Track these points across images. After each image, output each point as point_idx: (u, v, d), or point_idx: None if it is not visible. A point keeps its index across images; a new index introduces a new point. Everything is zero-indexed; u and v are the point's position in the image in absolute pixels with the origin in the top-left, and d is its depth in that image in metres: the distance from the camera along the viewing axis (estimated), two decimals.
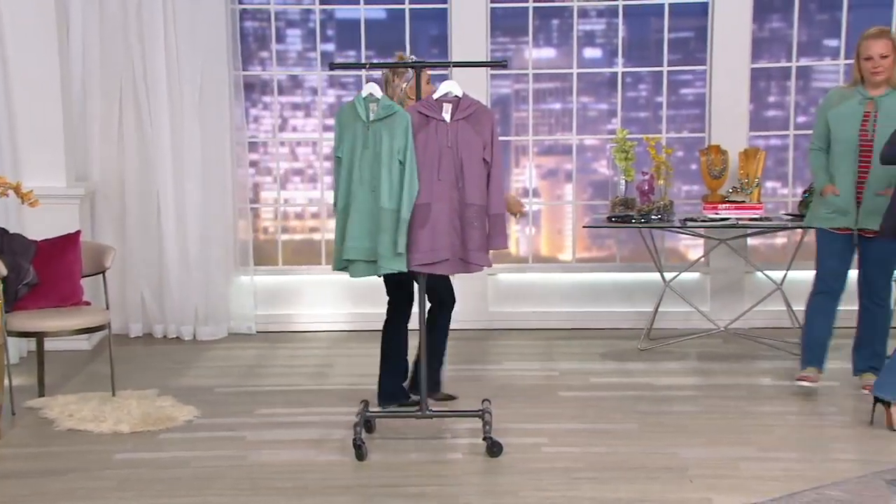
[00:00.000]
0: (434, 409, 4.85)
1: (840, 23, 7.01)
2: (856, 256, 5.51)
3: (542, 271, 7.37)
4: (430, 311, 5.24)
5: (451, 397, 5.49)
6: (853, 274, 5.51)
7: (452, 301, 5.34)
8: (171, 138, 6.94)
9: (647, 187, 6.71)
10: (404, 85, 5.22)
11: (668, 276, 6.83)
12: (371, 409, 4.98)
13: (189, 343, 6.95)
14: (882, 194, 5.25)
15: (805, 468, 4.34)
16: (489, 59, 7.08)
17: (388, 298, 5.25)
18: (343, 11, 7.36)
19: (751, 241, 7.04)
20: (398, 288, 5.21)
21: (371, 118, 4.63)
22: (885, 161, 5.02)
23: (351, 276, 4.68)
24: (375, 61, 5.64)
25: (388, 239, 4.57)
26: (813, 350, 5.52)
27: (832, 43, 6.94)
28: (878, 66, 5.28)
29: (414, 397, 5.22)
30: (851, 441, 4.71)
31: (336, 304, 7.32)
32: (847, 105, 5.36)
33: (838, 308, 5.53)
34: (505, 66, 4.96)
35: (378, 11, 7.33)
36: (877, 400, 4.96)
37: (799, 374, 5.52)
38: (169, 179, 6.96)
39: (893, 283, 6.17)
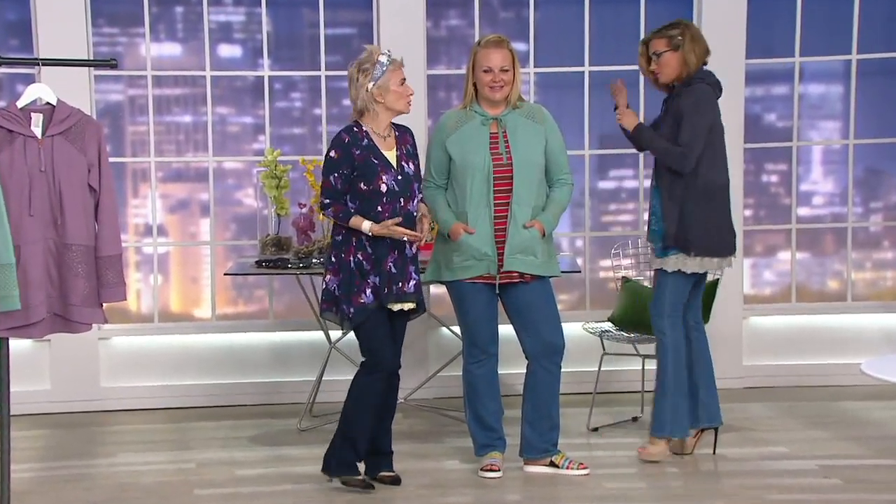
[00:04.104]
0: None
1: (527, 22, 7.43)
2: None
3: (172, 332, 7.33)
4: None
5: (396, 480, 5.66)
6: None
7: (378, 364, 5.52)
8: None
9: (304, 223, 6.77)
10: (370, 85, 5.39)
11: (334, 335, 6.92)
12: None
13: None
14: (530, 226, 5.57)
15: None
16: (92, 57, 6.99)
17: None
18: None
19: (434, 288, 7.26)
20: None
21: None
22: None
23: None
24: None
25: None
26: (488, 431, 5.76)
27: (520, 47, 7.34)
28: (497, 80, 5.59)
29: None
30: None
31: None
32: (468, 128, 5.64)
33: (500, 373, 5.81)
34: (114, 66, 4.94)
35: None
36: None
37: (483, 464, 5.74)
38: None
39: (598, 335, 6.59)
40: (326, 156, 5.49)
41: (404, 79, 5.49)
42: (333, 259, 5.46)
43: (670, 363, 5.87)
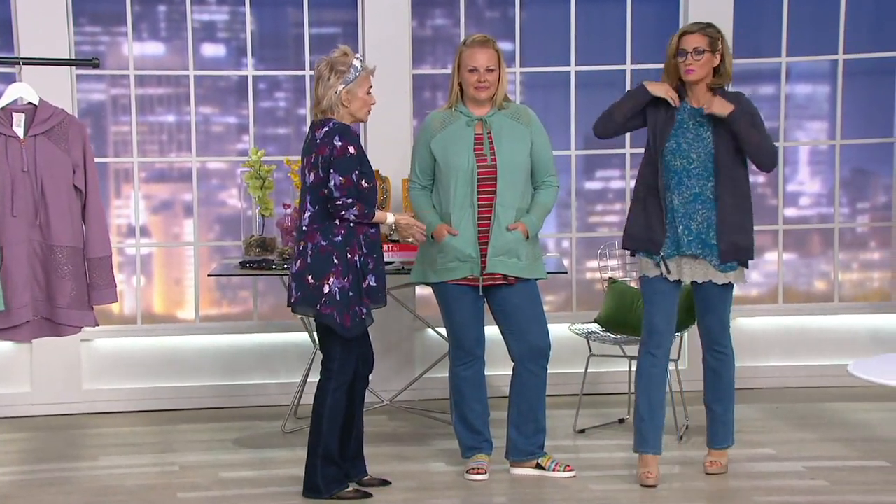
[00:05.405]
0: None
1: (513, 22, 7.42)
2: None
3: (156, 334, 7.31)
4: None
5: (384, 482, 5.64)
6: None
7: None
8: None
9: (290, 224, 6.77)
10: (340, 87, 5.26)
11: None
12: None
13: None
14: (513, 228, 5.56)
15: None
16: (74, 56, 6.98)
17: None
18: None
19: (420, 289, 7.27)
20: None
21: None
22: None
23: None
24: None
25: None
26: (475, 433, 5.76)
27: (506, 46, 7.32)
28: (482, 80, 5.58)
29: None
30: None
31: None
32: (453, 128, 5.63)
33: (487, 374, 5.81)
34: (97, 65, 4.93)
35: None
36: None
37: (469, 467, 5.74)
38: None
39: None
40: (343, 153, 5.27)
41: (371, 87, 5.41)
42: (336, 261, 5.28)
43: (735, 376, 5.78)
